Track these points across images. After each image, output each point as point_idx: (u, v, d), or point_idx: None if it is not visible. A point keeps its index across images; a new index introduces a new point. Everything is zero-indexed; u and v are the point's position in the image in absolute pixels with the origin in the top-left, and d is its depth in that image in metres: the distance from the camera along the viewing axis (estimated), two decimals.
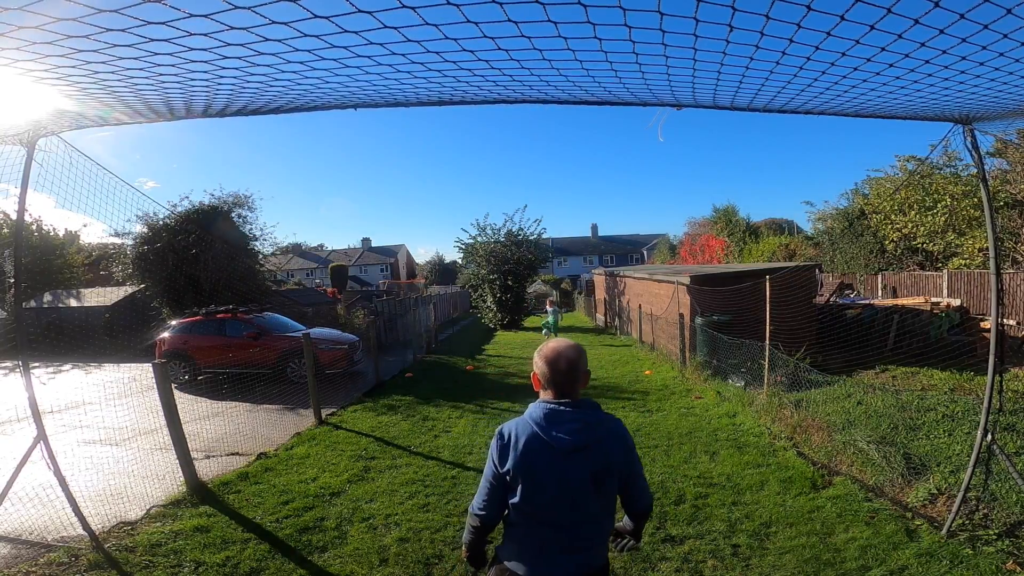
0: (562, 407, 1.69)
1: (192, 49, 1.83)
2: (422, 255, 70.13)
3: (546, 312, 17.33)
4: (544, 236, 24.39)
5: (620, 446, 1.74)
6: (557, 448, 1.65)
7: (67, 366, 13.14)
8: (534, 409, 1.72)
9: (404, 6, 1.54)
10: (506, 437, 1.73)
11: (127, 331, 14.69)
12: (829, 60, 2.02)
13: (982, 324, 10.23)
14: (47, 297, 18.41)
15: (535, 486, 1.67)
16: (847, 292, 15.83)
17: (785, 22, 1.64)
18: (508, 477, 1.70)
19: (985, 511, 3.76)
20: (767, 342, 7.43)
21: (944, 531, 3.57)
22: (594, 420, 1.70)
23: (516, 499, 1.70)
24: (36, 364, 12.75)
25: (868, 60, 1.97)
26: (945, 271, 12.64)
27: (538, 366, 1.76)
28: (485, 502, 1.77)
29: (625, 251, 53.33)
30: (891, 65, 2.02)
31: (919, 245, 15.25)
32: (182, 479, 4.80)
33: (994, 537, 3.48)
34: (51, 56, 1.87)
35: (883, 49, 1.84)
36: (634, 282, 16.35)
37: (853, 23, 1.63)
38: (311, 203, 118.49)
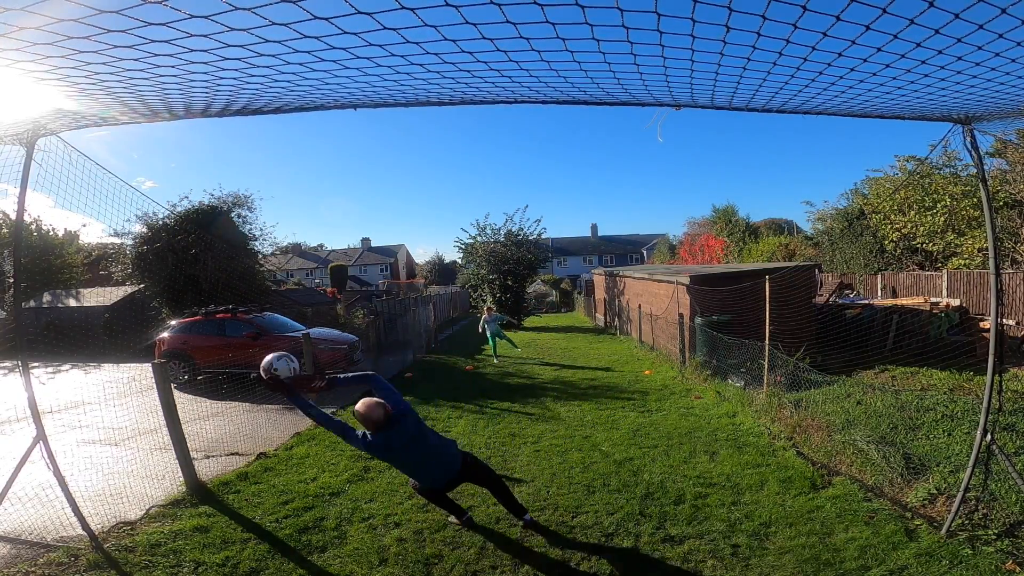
0: None
1: (192, 50, 1.84)
2: (422, 255, 70.20)
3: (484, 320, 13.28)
4: (544, 236, 24.40)
5: None
6: None
7: (66, 366, 13.14)
8: None
9: (403, 7, 1.54)
10: None
11: (127, 331, 14.69)
12: (826, 61, 2.02)
13: (981, 324, 10.24)
14: (46, 297, 18.40)
15: None
16: (847, 292, 15.84)
17: (781, 22, 1.65)
18: None
19: (984, 511, 3.76)
20: (767, 342, 7.43)
21: (943, 531, 3.58)
22: None
23: None
24: (35, 364, 12.75)
25: (864, 60, 1.98)
26: (945, 271, 12.65)
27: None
28: None
29: (625, 251, 53.32)
30: (888, 66, 2.03)
31: (919, 245, 15.25)
32: (182, 479, 4.80)
33: (993, 537, 3.48)
34: (52, 57, 1.87)
35: (879, 49, 1.84)
36: (634, 282, 16.35)
37: (849, 23, 1.64)
38: (311, 203, 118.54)
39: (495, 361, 12.72)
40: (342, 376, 3.90)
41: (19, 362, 3.62)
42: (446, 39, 1.80)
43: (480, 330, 13.52)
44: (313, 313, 15.52)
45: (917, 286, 13.36)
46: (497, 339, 13.25)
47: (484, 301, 23.15)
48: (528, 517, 4.01)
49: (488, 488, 4.05)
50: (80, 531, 3.74)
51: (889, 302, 12.03)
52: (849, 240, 17.75)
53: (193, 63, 1.99)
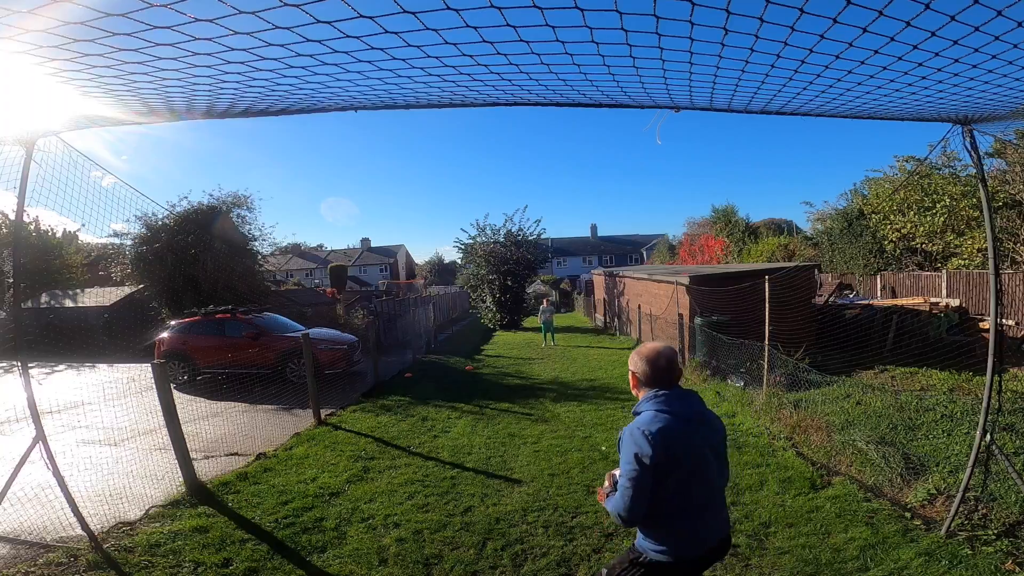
0: (672, 391, 1.96)
1: (196, 54, 1.84)
2: (421, 255, 70.20)
3: (540, 312, 16.76)
4: (543, 236, 24.43)
5: (719, 421, 2.07)
6: (691, 419, 1.92)
7: (61, 366, 13.13)
8: (651, 402, 1.94)
9: (405, 11, 1.55)
10: (652, 431, 1.86)
11: (126, 331, 14.68)
12: (823, 63, 2.03)
13: (981, 324, 10.25)
14: (44, 297, 18.39)
15: (680, 461, 1.87)
16: (846, 292, 15.85)
17: (779, 24, 1.66)
18: (658, 467, 1.83)
19: (984, 511, 3.77)
20: (766, 342, 7.44)
21: (943, 531, 3.58)
22: (697, 397, 2.03)
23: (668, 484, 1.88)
24: (32, 364, 12.74)
25: (862, 63, 1.99)
26: (944, 271, 12.66)
27: (637, 366, 2.01)
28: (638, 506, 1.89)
29: (624, 251, 53.33)
30: (885, 68, 2.04)
31: (918, 245, 15.26)
32: (181, 479, 4.80)
33: (993, 537, 3.49)
34: (56, 60, 1.88)
35: (876, 52, 1.85)
36: (633, 282, 16.36)
37: (845, 25, 1.65)
38: (311, 203, 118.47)
39: (543, 346, 15.61)
40: None
41: (18, 362, 3.62)
42: (447, 43, 1.81)
43: (541, 321, 16.46)
44: (313, 313, 15.52)
45: (917, 286, 13.38)
46: (548, 329, 15.97)
47: (484, 301, 23.17)
48: None
49: None
50: (80, 531, 3.74)
51: (889, 302, 12.04)
52: (848, 240, 17.76)
53: (197, 67, 2.00)
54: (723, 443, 2.03)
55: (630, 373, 2.04)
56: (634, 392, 2.05)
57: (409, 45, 1.83)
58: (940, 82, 2.25)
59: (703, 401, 2.03)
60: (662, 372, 1.95)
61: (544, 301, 17.92)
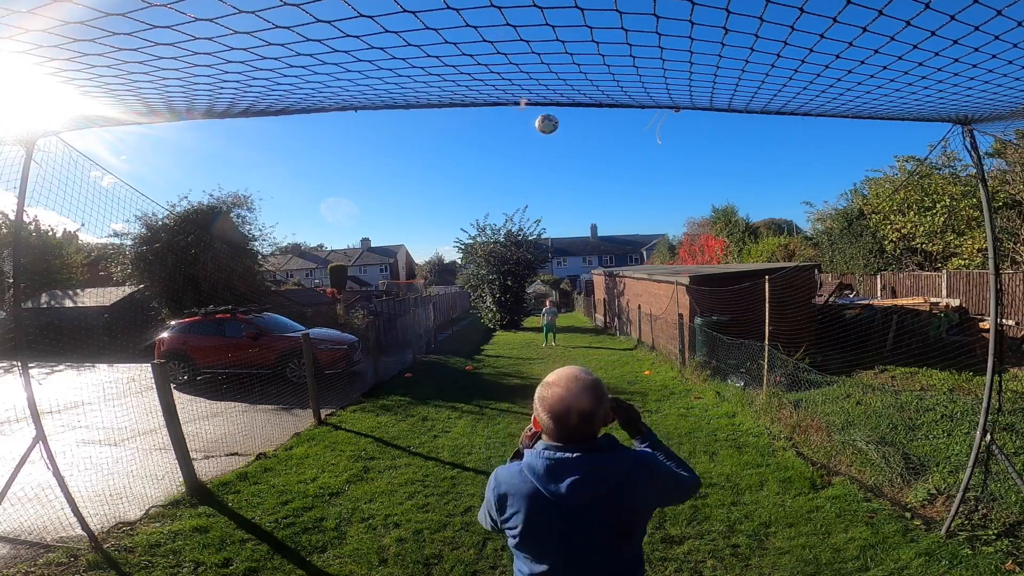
0: (567, 453, 1.36)
1: (197, 53, 1.84)
2: (421, 255, 70.20)
3: (543, 314, 16.16)
4: (544, 236, 24.43)
5: (648, 489, 1.41)
6: (563, 505, 1.34)
7: (61, 366, 13.13)
8: (533, 458, 1.40)
9: (405, 11, 1.55)
10: (501, 490, 1.44)
11: (126, 331, 14.68)
12: (824, 63, 2.03)
13: (981, 324, 10.25)
14: (44, 297, 18.38)
15: (540, 552, 1.40)
16: (846, 292, 15.84)
17: (779, 24, 1.66)
18: (508, 529, 1.45)
19: (984, 511, 3.77)
20: (766, 342, 7.44)
21: (943, 531, 3.58)
22: (608, 464, 1.36)
23: (524, 556, 1.46)
24: (32, 364, 12.74)
25: (862, 63, 1.99)
26: (944, 271, 12.65)
27: (540, 416, 1.41)
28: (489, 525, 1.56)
29: (624, 251, 53.34)
30: (885, 67, 2.04)
31: (918, 245, 15.26)
32: (181, 479, 4.80)
33: (993, 537, 3.49)
34: (56, 60, 1.88)
35: (876, 51, 1.85)
36: (633, 282, 16.36)
37: (845, 25, 1.65)
38: (311, 203, 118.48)
39: (543, 347, 15.24)
40: None
41: (19, 362, 3.62)
42: (447, 42, 1.81)
43: (543, 322, 16.02)
44: (313, 313, 15.52)
45: (917, 286, 13.37)
46: (552, 326, 15.63)
47: (484, 301, 23.17)
48: None
49: None
50: (80, 531, 3.74)
51: (889, 302, 12.04)
52: (849, 240, 17.76)
53: (197, 66, 2.00)
54: (644, 514, 1.44)
55: (533, 417, 1.48)
56: (537, 430, 1.50)
57: (409, 45, 1.83)
58: (940, 82, 2.25)
59: (615, 471, 1.36)
60: (571, 431, 1.37)
61: (547, 302, 17.07)
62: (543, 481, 1.35)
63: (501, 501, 1.43)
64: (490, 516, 1.50)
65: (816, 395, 6.51)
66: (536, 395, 1.43)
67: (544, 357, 13.56)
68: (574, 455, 1.34)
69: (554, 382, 1.40)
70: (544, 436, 1.43)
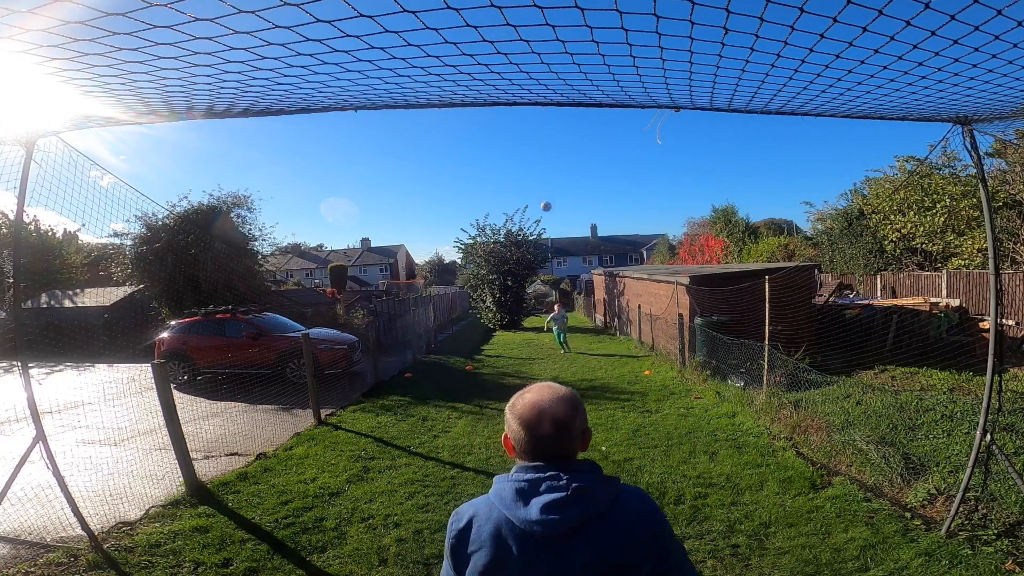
0: (540, 473, 1.13)
1: (197, 53, 1.84)
2: (421, 255, 70.20)
3: (549, 315, 14.74)
4: (543, 236, 24.43)
5: (645, 523, 1.15)
6: (536, 535, 1.09)
7: (61, 366, 13.14)
8: (502, 483, 1.17)
9: (405, 10, 1.55)
10: (462, 524, 1.18)
11: (126, 331, 14.69)
12: (824, 63, 2.03)
13: (981, 324, 10.25)
14: (44, 297, 18.39)
15: None
16: (846, 292, 15.84)
17: (779, 24, 1.66)
18: None
19: (984, 511, 3.77)
20: (766, 342, 7.44)
21: (943, 531, 3.58)
22: (590, 485, 1.12)
23: None
24: (32, 364, 12.75)
25: (862, 62, 1.99)
26: (944, 271, 12.65)
27: (510, 427, 1.21)
28: None
29: (624, 251, 53.35)
30: (885, 67, 2.04)
31: (918, 245, 15.26)
32: (181, 479, 4.80)
33: (993, 537, 3.49)
34: (56, 60, 1.88)
35: (876, 51, 1.85)
36: (633, 282, 16.36)
37: (846, 25, 1.65)
38: (311, 203, 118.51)
39: (563, 353, 13.91)
40: None
41: (19, 362, 3.62)
42: (447, 42, 1.81)
43: (545, 328, 15.12)
44: (313, 313, 15.52)
45: (917, 286, 13.37)
46: (562, 334, 14.39)
47: (484, 301, 23.17)
48: None
49: None
50: (80, 531, 3.74)
51: (889, 302, 12.04)
52: (849, 240, 17.76)
53: (197, 66, 2.00)
54: (637, 561, 1.11)
55: (503, 435, 1.26)
56: (512, 457, 1.26)
57: (409, 44, 1.83)
58: (940, 82, 2.25)
59: (598, 495, 1.12)
60: (544, 442, 1.16)
61: (555, 307, 15.50)
62: (511, 507, 1.11)
63: (460, 539, 1.16)
64: (449, 565, 1.20)
65: (816, 395, 6.51)
66: (505, 412, 1.25)
67: (544, 357, 13.56)
68: (548, 473, 1.13)
69: (525, 390, 1.24)
70: (517, 459, 1.22)
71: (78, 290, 19.52)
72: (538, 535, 1.08)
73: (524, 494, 1.11)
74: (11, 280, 3.93)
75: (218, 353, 10.31)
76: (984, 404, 3.53)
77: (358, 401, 8.55)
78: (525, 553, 1.08)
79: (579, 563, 1.07)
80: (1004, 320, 10.00)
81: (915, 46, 1.80)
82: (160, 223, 14.17)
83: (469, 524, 1.16)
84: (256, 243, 16.01)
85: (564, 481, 1.11)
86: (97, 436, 6.77)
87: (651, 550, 1.13)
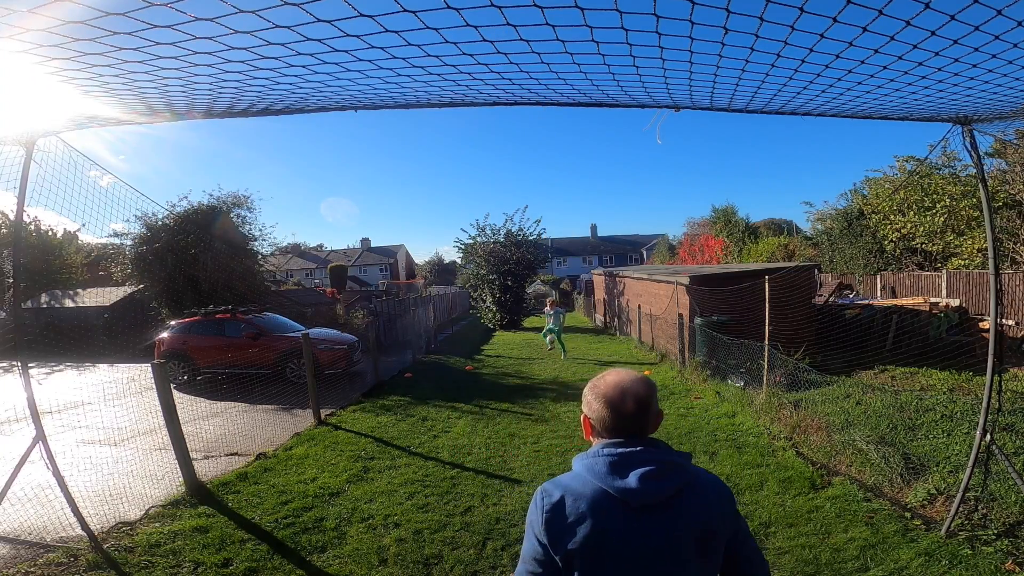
0: (630, 447, 1.21)
1: (197, 53, 1.84)
2: (421, 255, 70.20)
3: (545, 314, 13.83)
4: (544, 236, 24.44)
5: (722, 497, 1.26)
6: (633, 504, 1.16)
7: (61, 366, 13.14)
8: (590, 459, 1.24)
9: (405, 10, 1.55)
10: (555, 499, 1.21)
11: (126, 331, 14.69)
12: (824, 63, 2.03)
13: (981, 324, 10.25)
14: (44, 297, 18.39)
15: (611, 566, 1.17)
16: (846, 292, 15.85)
17: (779, 24, 1.66)
18: (565, 561, 1.18)
19: (984, 511, 3.77)
20: (766, 342, 7.44)
21: (943, 531, 3.58)
22: (677, 459, 1.23)
23: None
24: (32, 364, 12.74)
25: (862, 62, 1.99)
26: (944, 271, 12.66)
27: (591, 408, 1.28)
28: None
29: (624, 251, 53.35)
30: (885, 67, 2.04)
31: (918, 245, 15.27)
32: (181, 479, 4.80)
33: (993, 537, 3.49)
34: (57, 59, 1.88)
35: (876, 51, 1.85)
36: (633, 282, 16.36)
37: (846, 25, 1.65)
38: (311, 203, 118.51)
39: (562, 358, 12.88)
40: None
41: (19, 362, 3.62)
42: (447, 41, 1.81)
43: (545, 335, 13.72)
44: (313, 313, 15.52)
45: (917, 286, 13.38)
46: (557, 334, 13.31)
47: (484, 301, 23.17)
48: None
49: None
50: (80, 531, 3.74)
51: (888, 302, 12.04)
52: (848, 240, 17.77)
53: (197, 66, 2.00)
54: (720, 529, 1.23)
55: (582, 417, 1.33)
56: (589, 439, 1.33)
57: (409, 44, 1.83)
58: (940, 82, 2.25)
59: (685, 467, 1.22)
60: (627, 419, 1.23)
61: (548, 303, 14.37)
62: (607, 479, 1.18)
63: (555, 512, 1.19)
64: (538, 543, 1.20)
65: (816, 395, 6.51)
66: (584, 394, 1.31)
67: (544, 357, 13.56)
68: (638, 448, 1.20)
69: (603, 375, 1.31)
70: (596, 438, 1.28)
71: (78, 290, 19.52)
72: (636, 504, 1.16)
73: (618, 467, 1.18)
74: (11, 280, 3.93)
75: (218, 353, 10.31)
76: (984, 404, 3.53)
77: (358, 401, 8.55)
78: (627, 521, 1.16)
79: (678, 528, 1.17)
80: (1004, 320, 10.00)
81: (915, 46, 1.80)
82: (160, 223, 14.17)
83: (562, 499, 1.20)
84: (256, 243, 16.02)
85: (654, 454, 1.20)
86: (97, 436, 6.77)
87: (730, 520, 1.25)
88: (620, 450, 1.20)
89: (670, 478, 1.18)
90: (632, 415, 1.23)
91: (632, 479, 1.16)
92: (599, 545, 1.16)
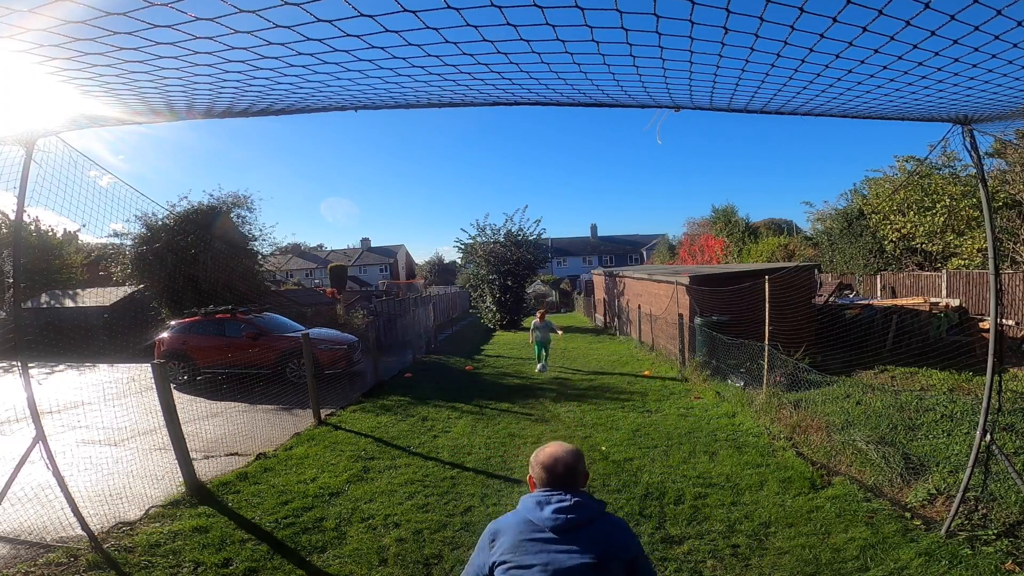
0: (552, 492, 1.64)
1: (197, 53, 1.84)
2: (421, 255, 70.20)
3: (533, 327, 11.12)
4: (544, 236, 24.44)
5: (619, 529, 1.63)
6: (547, 527, 1.56)
7: (61, 366, 13.14)
8: (525, 500, 1.67)
9: (405, 10, 1.55)
10: (498, 527, 1.65)
11: (126, 331, 14.69)
12: (824, 63, 2.03)
13: (981, 324, 10.25)
14: (44, 297, 18.39)
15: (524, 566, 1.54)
16: (846, 292, 15.85)
17: (779, 24, 1.66)
18: (497, 561, 1.58)
19: (984, 511, 3.77)
20: (766, 342, 7.44)
21: (943, 531, 3.58)
22: (586, 500, 1.62)
23: None
24: (32, 364, 12.75)
25: (862, 62, 1.99)
26: (944, 271, 12.66)
27: (534, 470, 1.72)
28: None
29: (624, 251, 53.34)
30: (885, 67, 2.04)
31: (918, 245, 15.26)
32: (181, 479, 4.80)
33: (993, 537, 3.49)
34: (56, 59, 1.88)
35: (876, 51, 1.85)
36: (633, 282, 16.36)
37: (846, 25, 1.65)
38: (311, 203, 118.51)
39: (536, 370, 10.91)
40: None
41: (18, 363, 3.62)
42: (447, 41, 1.81)
43: (531, 341, 11.39)
44: (313, 313, 15.52)
45: (917, 286, 13.38)
46: (543, 348, 11.10)
47: (484, 301, 23.16)
48: None
49: None
50: (79, 531, 3.74)
51: (888, 302, 12.04)
52: (848, 240, 17.77)
53: (198, 66, 2.00)
54: (617, 553, 1.57)
55: (528, 477, 1.76)
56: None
57: (409, 44, 1.83)
58: (940, 82, 2.25)
59: (594, 508, 1.61)
60: (558, 479, 1.66)
61: (538, 315, 11.45)
62: (532, 512, 1.61)
63: (493, 535, 1.64)
64: (480, 558, 1.63)
65: (816, 395, 6.51)
66: (530, 460, 1.76)
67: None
68: (559, 492, 1.63)
69: (546, 445, 1.77)
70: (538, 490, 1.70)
71: (78, 290, 19.51)
72: (548, 527, 1.56)
73: (541, 504, 1.62)
74: (11, 280, 3.93)
75: (218, 353, 10.30)
76: (984, 404, 3.53)
77: (358, 401, 8.54)
78: (539, 542, 1.55)
79: (577, 551, 1.54)
80: (1004, 320, 10.00)
81: (915, 46, 1.80)
82: (160, 223, 14.15)
83: (499, 528, 1.64)
84: (256, 243, 16.00)
85: (568, 496, 1.62)
86: (97, 436, 6.77)
87: (628, 548, 1.60)
88: (546, 493, 1.64)
89: (578, 513, 1.57)
90: (561, 475, 1.67)
91: (547, 511, 1.58)
92: (514, 548, 1.55)
